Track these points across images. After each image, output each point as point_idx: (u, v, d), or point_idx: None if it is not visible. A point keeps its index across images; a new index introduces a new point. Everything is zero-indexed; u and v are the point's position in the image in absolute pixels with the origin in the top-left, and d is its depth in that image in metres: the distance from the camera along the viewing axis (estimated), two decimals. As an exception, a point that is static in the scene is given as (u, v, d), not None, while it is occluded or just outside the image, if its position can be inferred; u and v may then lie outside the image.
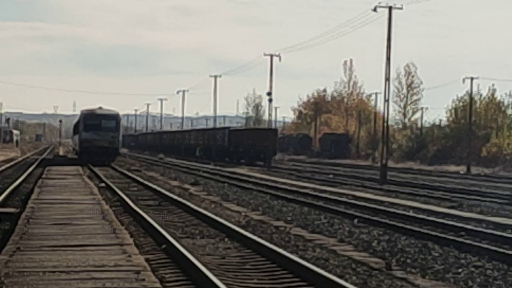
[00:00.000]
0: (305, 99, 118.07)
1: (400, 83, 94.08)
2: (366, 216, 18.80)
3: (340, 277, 10.30)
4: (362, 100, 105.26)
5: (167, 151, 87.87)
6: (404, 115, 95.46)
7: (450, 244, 14.10)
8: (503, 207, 23.06)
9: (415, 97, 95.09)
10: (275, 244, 12.96)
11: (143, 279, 8.84)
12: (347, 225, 17.23)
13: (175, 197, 22.87)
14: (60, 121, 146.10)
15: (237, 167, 53.58)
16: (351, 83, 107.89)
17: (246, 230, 14.92)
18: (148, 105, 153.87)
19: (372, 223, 17.57)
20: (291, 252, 12.24)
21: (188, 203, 20.43)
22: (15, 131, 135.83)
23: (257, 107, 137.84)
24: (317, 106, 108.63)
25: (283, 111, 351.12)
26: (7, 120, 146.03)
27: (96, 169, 39.13)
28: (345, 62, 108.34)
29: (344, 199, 24.53)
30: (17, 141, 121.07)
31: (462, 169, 59.96)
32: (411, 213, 20.02)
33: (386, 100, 41.63)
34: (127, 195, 22.60)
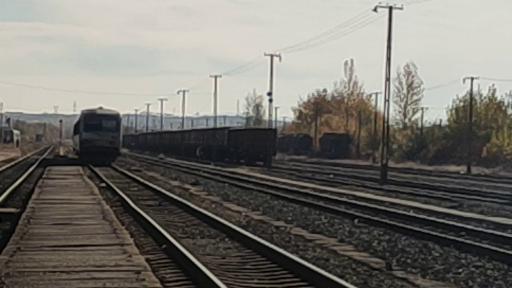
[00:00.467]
0: (305, 99, 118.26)
1: (400, 83, 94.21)
2: (367, 216, 18.80)
3: (341, 277, 10.30)
4: (363, 100, 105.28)
5: (167, 151, 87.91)
6: (404, 115, 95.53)
7: (450, 244, 14.10)
8: (504, 207, 23.06)
9: (415, 97, 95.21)
10: (276, 244, 12.96)
11: (144, 279, 8.84)
12: (348, 225, 17.23)
13: (176, 197, 22.87)
14: (60, 121, 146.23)
15: (238, 167, 53.59)
16: (352, 83, 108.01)
17: (247, 230, 14.92)
18: (148, 105, 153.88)
19: (372, 223, 17.57)
20: (292, 252, 12.24)
21: (188, 203, 20.43)
22: (15, 131, 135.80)
23: (257, 107, 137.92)
24: (317, 106, 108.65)
25: (284, 111, 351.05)
26: (8, 120, 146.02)
27: (96, 169, 39.13)
28: (346, 62, 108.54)
29: (344, 199, 24.53)
30: (17, 141, 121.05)
31: (462, 169, 59.96)
32: (411, 213, 20.02)
33: (386, 100, 41.64)
34: (128, 195, 22.60)
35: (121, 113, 56.48)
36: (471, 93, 67.65)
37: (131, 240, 12.25)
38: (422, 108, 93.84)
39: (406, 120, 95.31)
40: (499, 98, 74.79)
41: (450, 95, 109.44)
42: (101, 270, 9.37)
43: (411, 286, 10.37)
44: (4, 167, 41.01)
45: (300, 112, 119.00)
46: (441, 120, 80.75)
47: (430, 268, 11.74)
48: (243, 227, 15.96)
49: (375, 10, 42.25)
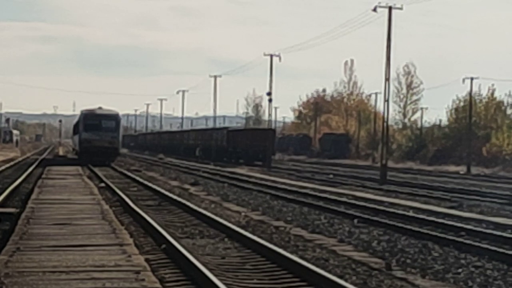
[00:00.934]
0: (305, 99, 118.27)
1: (399, 83, 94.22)
2: (366, 216, 18.80)
3: (340, 277, 10.30)
4: (362, 100, 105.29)
5: (167, 151, 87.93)
6: (404, 115, 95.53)
7: (450, 244, 14.10)
8: (503, 207, 23.05)
9: (415, 97, 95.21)
10: (275, 244, 12.95)
11: (143, 279, 8.83)
12: (347, 225, 17.22)
13: (175, 197, 22.87)
14: (60, 121, 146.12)
15: (237, 167, 53.60)
16: (351, 83, 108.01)
17: (246, 230, 14.92)
18: (148, 105, 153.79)
19: (372, 223, 17.57)
20: (291, 252, 12.23)
21: (188, 203, 20.43)
22: (15, 131, 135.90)
23: (257, 107, 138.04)
24: (317, 106, 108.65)
25: (283, 111, 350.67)
26: (7, 120, 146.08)
27: (96, 169, 39.13)
28: (346, 62, 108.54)
29: (344, 199, 24.53)
30: (17, 141, 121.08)
31: (462, 169, 59.97)
32: (411, 213, 20.02)
33: (386, 100, 41.63)
34: (127, 195, 22.60)
35: (121, 113, 56.49)
36: (470, 93, 67.69)
37: (130, 240, 12.25)
38: (421, 108, 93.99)
39: (406, 120, 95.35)
40: (498, 98, 74.95)
41: (450, 95, 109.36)
42: (100, 270, 9.37)
43: (410, 286, 10.37)
44: (3, 167, 41.00)
45: (300, 112, 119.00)
46: (440, 120, 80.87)
47: (430, 268, 11.73)
48: (242, 227, 15.96)
49: (374, 10, 42.23)
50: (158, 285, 8.72)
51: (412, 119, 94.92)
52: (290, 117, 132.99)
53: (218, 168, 50.10)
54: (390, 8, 41.63)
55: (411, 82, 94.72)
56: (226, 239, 14.22)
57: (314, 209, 20.89)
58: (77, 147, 53.95)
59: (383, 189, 30.98)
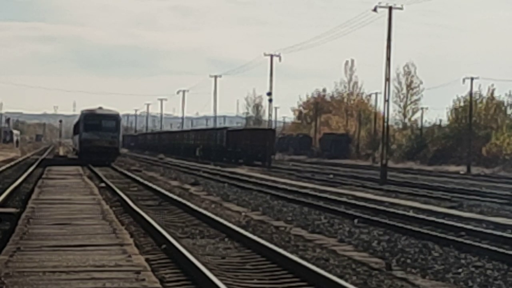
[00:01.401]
0: (305, 99, 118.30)
1: (399, 83, 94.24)
2: (366, 216, 18.80)
3: (340, 277, 10.31)
4: (362, 100, 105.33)
5: (167, 151, 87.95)
6: (404, 115, 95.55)
7: (450, 244, 14.10)
8: (503, 207, 23.06)
9: (415, 97, 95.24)
10: (275, 244, 12.95)
11: (143, 279, 8.84)
12: (347, 225, 17.23)
13: (175, 197, 22.87)
14: (60, 121, 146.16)
15: (237, 167, 53.61)
16: (351, 83, 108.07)
17: (246, 230, 14.92)
18: (148, 105, 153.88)
19: (372, 223, 17.57)
20: (291, 252, 12.24)
21: (188, 203, 20.43)
22: (15, 131, 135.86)
23: (257, 107, 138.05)
24: (317, 106, 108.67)
25: (283, 111, 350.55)
26: (7, 120, 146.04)
27: (96, 169, 39.14)
28: (346, 62, 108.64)
29: (344, 199, 24.54)
30: (17, 141, 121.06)
31: (462, 169, 59.98)
32: (411, 213, 20.03)
33: (386, 100, 41.65)
34: (127, 195, 22.60)
35: (121, 113, 56.55)
36: (471, 93, 67.70)
37: (130, 240, 12.25)
38: (422, 108, 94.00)
39: (406, 120, 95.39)
40: (498, 99, 74.96)
41: (450, 95, 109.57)
42: (100, 270, 9.37)
43: (410, 286, 10.37)
44: (4, 167, 41.00)
45: (300, 112, 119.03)
46: (441, 120, 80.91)
47: (430, 268, 11.74)
48: (242, 227, 15.96)
49: (375, 10, 42.26)
50: (158, 285, 8.73)
51: (412, 119, 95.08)
52: (290, 117, 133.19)
53: (218, 168, 50.11)
54: (390, 8, 41.66)
55: (411, 82, 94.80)
56: (226, 239, 14.23)
57: (314, 209, 20.89)
58: (77, 147, 53.96)
59: (383, 189, 30.99)
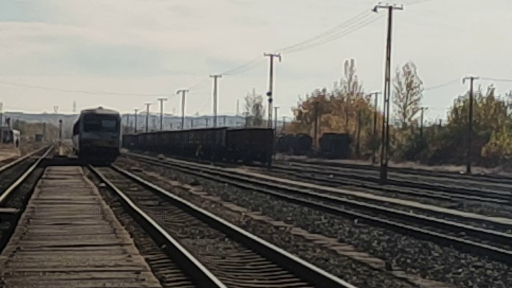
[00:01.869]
0: (305, 99, 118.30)
1: (399, 83, 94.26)
2: (366, 216, 18.80)
3: (340, 277, 10.30)
4: (362, 100, 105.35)
5: (167, 151, 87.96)
6: (404, 115, 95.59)
7: (450, 244, 14.10)
8: (503, 207, 23.06)
9: (415, 97, 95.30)
10: (275, 244, 12.95)
11: (143, 279, 8.84)
12: (347, 225, 17.23)
13: (175, 197, 22.87)
14: (60, 121, 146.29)
15: (237, 167, 53.61)
16: (351, 83, 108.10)
17: (246, 230, 14.92)
18: (148, 105, 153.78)
19: (372, 223, 17.57)
20: (291, 252, 12.23)
21: (188, 203, 20.43)
22: (15, 131, 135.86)
23: (257, 107, 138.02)
24: (317, 106, 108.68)
25: (283, 111, 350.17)
26: (7, 120, 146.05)
27: (96, 169, 39.13)
28: (346, 62, 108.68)
29: (344, 199, 24.53)
30: (17, 141, 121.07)
31: (462, 169, 59.98)
32: (411, 213, 20.02)
33: (386, 100, 41.65)
34: (127, 195, 22.60)
35: (121, 113, 56.55)
36: (471, 93, 67.67)
37: (130, 240, 12.25)
38: (421, 108, 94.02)
39: (406, 120, 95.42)
40: (498, 98, 74.94)
41: (450, 95, 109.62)
42: (100, 270, 9.37)
43: (410, 286, 10.37)
44: (3, 167, 41.00)
45: (300, 112, 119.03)
46: (440, 120, 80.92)
47: (430, 268, 11.74)
48: (242, 227, 15.96)
49: (375, 10, 42.26)
50: (158, 285, 8.72)
51: (412, 119, 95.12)
52: (290, 117, 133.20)
53: (218, 168, 50.11)
54: (390, 8, 41.66)
55: (411, 82, 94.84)
56: (226, 239, 14.23)
57: (314, 209, 20.89)
58: (77, 147, 53.97)
59: (383, 189, 30.98)
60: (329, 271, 10.58)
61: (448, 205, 23.14)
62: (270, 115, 68.31)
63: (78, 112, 64.68)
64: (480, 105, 73.56)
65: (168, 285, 9.53)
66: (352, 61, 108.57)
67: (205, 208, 19.90)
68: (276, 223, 17.51)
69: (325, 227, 16.84)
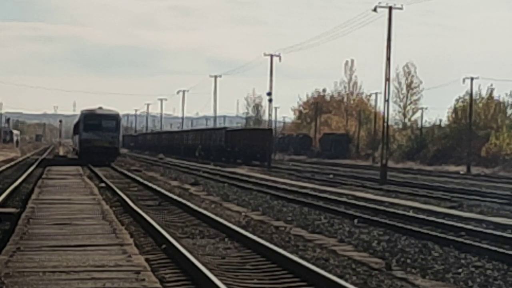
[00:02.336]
0: (305, 99, 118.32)
1: (399, 83, 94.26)
2: (366, 216, 18.80)
3: (340, 277, 10.31)
4: (362, 100, 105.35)
5: (166, 151, 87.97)
6: (404, 115, 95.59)
7: (450, 244, 14.10)
8: (503, 207, 23.06)
9: (414, 97, 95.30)
10: (275, 244, 12.96)
11: (143, 279, 8.84)
12: (347, 225, 17.23)
13: (175, 197, 22.87)
14: (60, 121, 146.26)
15: (237, 167, 53.61)
16: (351, 83, 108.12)
17: (246, 230, 14.92)
18: (148, 105, 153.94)
19: (372, 223, 17.57)
20: (291, 252, 12.23)
21: (188, 203, 20.43)
22: (15, 131, 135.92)
23: (257, 107, 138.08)
24: (317, 106, 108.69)
25: (283, 111, 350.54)
26: (7, 120, 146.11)
27: (96, 169, 39.13)
28: (346, 62, 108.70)
29: (344, 199, 24.53)
30: (17, 141, 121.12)
31: (462, 169, 59.96)
32: (411, 213, 20.02)
33: (386, 100, 41.65)
34: (127, 195, 22.60)
35: (121, 113, 56.52)
36: (471, 93, 67.67)
37: (130, 240, 12.25)
38: (421, 108, 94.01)
39: (406, 120, 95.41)
40: (498, 99, 74.93)
41: (450, 95, 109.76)
42: (100, 270, 9.37)
43: (410, 286, 10.37)
44: (3, 167, 41.00)
45: (300, 112, 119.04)
46: (440, 120, 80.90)
47: (430, 268, 11.74)
48: (242, 227, 15.96)
49: (375, 10, 42.26)
50: (158, 285, 8.73)
51: (412, 119, 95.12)
52: (290, 117, 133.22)
53: (218, 168, 50.10)
54: (390, 8, 41.66)
55: (411, 82, 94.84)
56: (226, 239, 14.23)
57: (314, 209, 20.89)
58: (77, 147, 53.96)
59: (383, 189, 30.98)
60: (329, 271, 10.58)
61: (448, 205, 23.14)
62: (270, 115, 68.38)
63: (78, 112, 64.67)
64: (480, 105, 73.56)
65: (168, 285, 9.53)
66: (352, 61, 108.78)
67: (205, 208, 19.90)
68: (276, 223, 17.51)
69: (325, 227, 16.84)
